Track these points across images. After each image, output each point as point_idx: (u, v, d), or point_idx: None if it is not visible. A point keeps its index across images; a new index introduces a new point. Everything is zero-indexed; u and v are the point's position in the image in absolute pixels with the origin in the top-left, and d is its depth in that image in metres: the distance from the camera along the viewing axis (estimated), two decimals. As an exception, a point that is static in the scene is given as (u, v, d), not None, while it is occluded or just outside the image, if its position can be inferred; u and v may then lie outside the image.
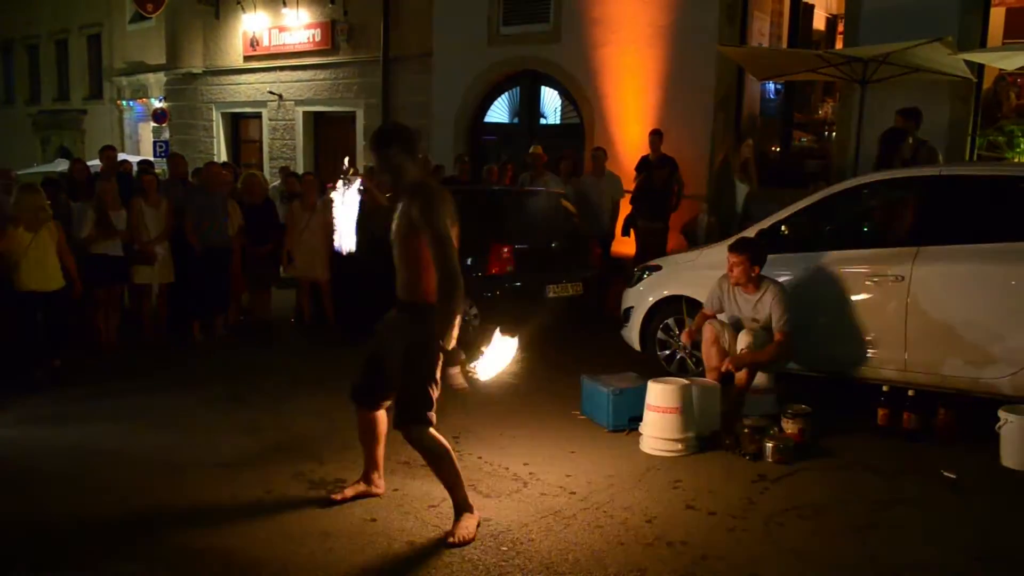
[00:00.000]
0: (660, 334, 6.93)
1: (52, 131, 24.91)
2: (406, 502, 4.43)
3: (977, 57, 8.51)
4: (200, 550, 3.91)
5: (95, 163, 11.43)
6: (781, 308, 5.70)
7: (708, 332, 5.84)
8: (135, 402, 6.32)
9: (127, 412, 6.06)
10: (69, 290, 7.05)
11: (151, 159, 14.71)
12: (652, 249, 9.99)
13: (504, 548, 3.92)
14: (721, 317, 6.01)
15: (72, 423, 5.84)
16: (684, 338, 6.30)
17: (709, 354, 5.82)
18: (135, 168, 11.39)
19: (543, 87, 13.36)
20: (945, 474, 4.80)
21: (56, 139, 24.77)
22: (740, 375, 5.68)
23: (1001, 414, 5.02)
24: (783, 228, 6.37)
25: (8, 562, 3.81)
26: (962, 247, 5.65)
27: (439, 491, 4.55)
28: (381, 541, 4.00)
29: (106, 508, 4.38)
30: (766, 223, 6.46)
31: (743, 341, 5.70)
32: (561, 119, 13.31)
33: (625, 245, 10.56)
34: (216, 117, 18.33)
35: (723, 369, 5.72)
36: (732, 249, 5.85)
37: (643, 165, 10.31)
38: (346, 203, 4.20)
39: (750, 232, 6.47)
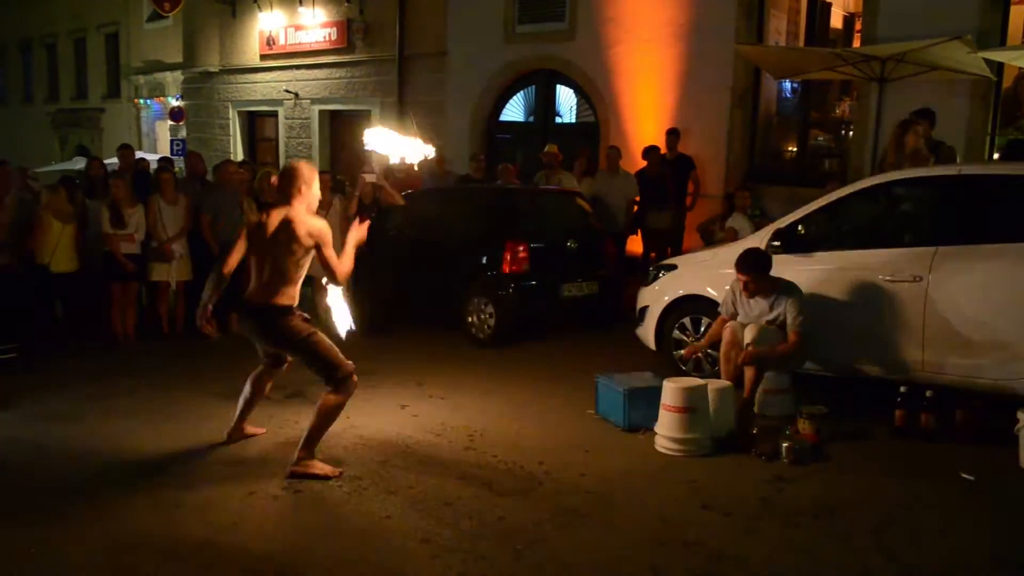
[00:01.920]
0: (676, 333, 6.90)
1: (70, 129, 25.11)
2: (420, 500, 4.44)
3: (997, 55, 8.45)
4: (217, 547, 3.93)
5: (112, 161, 11.52)
6: (796, 309, 5.68)
7: (727, 335, 5.82)
8: (151, 399, 6.37)
9: (143, 409, 6.11)
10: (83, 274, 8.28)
11: (171, 157, 14.80)
12: (659, 248, 10.01)
13: (519, 547, 3.92)
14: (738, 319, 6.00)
15: (87, 420, 5.88)
16: (686, 353, 6.33)
17: (727, 357, 5.79)
18: (153, 166, 11.45)
19: (558, 85, 13.35)
20: (963, 476, 4.77)
21: (74, 137, 24.97)
22: (749, 373, 5.65)
23: (1020, 416, 4.98)
24: (801, 228, 6.33)
25: (22, 561, 3.85)
26: (980, 247, 5.60)
27: (456, 488, 4.58)
28: (396, 539, 4.00)
29: (122, 505, 4.41)
30: (783, 222, 6.43)
31: (749, 335, 5.67)
32: (576, 118, 13.29)
33: (638, 244, 10.55)
34: (232, 115, 18.42)
35: (739, 362, 5.68)
36: (739, 269, 5.81)
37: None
38: None
39: (766, 233, 6.44)
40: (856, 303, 5.95)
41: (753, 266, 5.80)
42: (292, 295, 4.94)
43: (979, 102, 9.27)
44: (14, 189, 8.34)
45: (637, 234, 10.48)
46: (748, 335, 5.67)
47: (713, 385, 5.48)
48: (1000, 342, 5.43)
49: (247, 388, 5.34)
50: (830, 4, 11.62)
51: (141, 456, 5.14)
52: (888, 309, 5.82)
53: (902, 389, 5.54)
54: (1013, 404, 5.19)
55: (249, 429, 5.46)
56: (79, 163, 17.76)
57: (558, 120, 13.58)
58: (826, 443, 5.24)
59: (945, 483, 4.72)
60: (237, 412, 5.35)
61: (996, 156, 8.99)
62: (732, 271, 6.06)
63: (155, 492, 4.56)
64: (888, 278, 5.80)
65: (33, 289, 7.94)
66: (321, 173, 10.39)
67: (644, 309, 7.18)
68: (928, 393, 5.43)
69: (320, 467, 4.80)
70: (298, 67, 16.73)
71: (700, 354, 6.59)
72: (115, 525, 4.16)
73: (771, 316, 5.79)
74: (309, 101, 16.71)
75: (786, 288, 5.79)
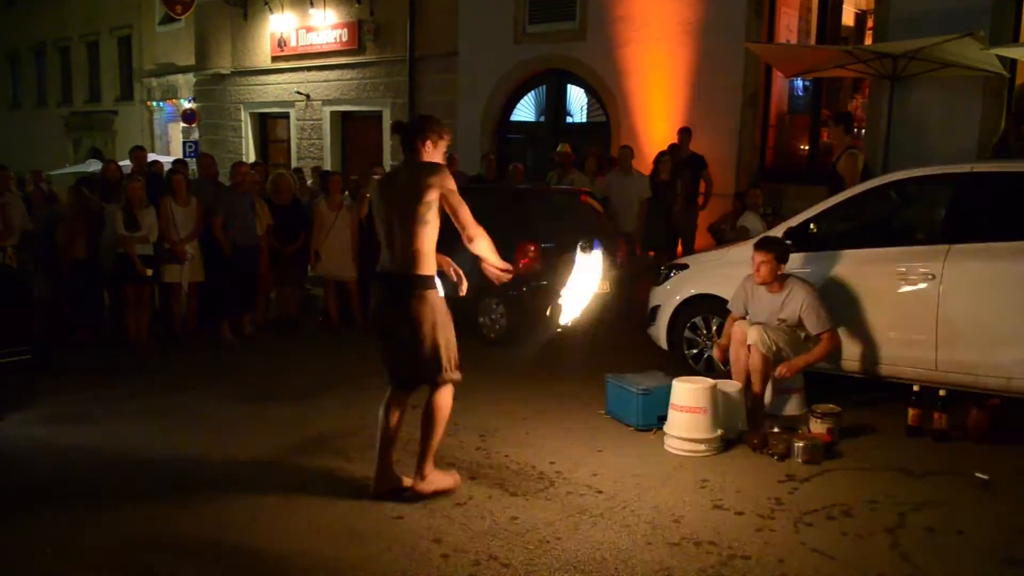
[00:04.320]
0: (687, 333, 6.90)
1: (84, 132, 25.23)
2: (433, 500, 4.43)
3: (1010, 52, 8.40)
4: (227, 547, 3.95)
5: (126, 164, 11.58)
6: (819, 308, 5.65)
7: (736, 335, 5.80)
8: (164, 400, 6.40)
9: (156, 410, 6.14)
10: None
11: (185, 159, 14.88)
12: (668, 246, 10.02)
13: (531, 547, 3.92)
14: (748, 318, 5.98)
15: (101, 421, 5.91)
16: (716, 353, 6.23)
17: (737, 356, 5.77)
18: (167, 168, 11.51)
19: (569, 85, 13.35)
20: (977, 475, 4.74)
21: (88, 140, 25.09)
22: (758, 374, 5.62)
23: (1034, 414, 4.96)
24: (812, 226, 6.32)
25: (38, 561, 3.87)
26: (994, 245, 5.58)
27: (467, 488, 4.58)
28: (407, 539, 4.01)
29: (133, 505, 4.43)
30: (795, 221, 6.42)
31: (753, 335, 5.64)
32: (587, 117, 13.28)
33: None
34: (244, 117, 18.49)
35: (778, 376, 5.65)
36: (758, 248, 5.80)
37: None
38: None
39: (778, 231, 6.43)
40: (868, 302, 5.93)
41: (773, 247, 5.77)
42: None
43: (992, 99, 9.22)
44: (8, 192, 8.42)
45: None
46: (752, 336, 5.64)
47: (723, 385, 5.47)
48: (1015, 341, 5.39)
49: (381, 425, 4.46)
50: (842, 1, 11.57)
51: (154, 457, 5.17)
52: (901, 308, 5.80)
53: (915, 388, 5.51)
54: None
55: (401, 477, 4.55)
56: (93, 165, 17.87)
57: (569, 120, 13.58)
58: (839, 442, 5.22)
59: (959, 482, 4.70)
60: (377, 459, 4.49)
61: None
62: (743, 270, 6.04)
63: (168, 493, 4.58)
64: (901, 277, 5.78)
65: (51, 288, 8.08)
66: (332, 174, 10.51)
67: (656, 308, 7.18)
68: (942, 392, 5.40)
69: (442, 480, 4.45)
70: (309, 68, 16.78)
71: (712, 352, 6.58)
72: (129, 525, 4.18)
73: (781, 314, 5.76)
74: (320, 102, 16.76)
75: (798, 286, 5.76)
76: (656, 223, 10.10)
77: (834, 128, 8.18)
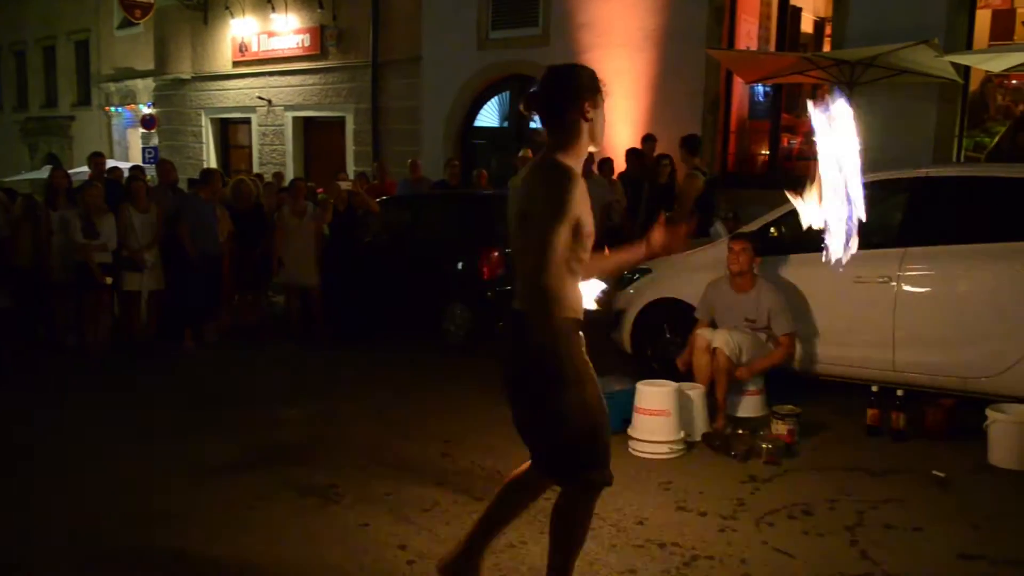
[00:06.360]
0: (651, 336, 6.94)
1: (40, 138, 24.83)
2: (399, 506, 4.43)
3: (963, 59, 8.58)
4: (191, 558, 3.90)
5: (82, 170, 11.40)
6: (787, 309, 5.77)
7: (699, 341, 5.85)
8: (123, 410, 6.30)
9: (115, 420, 6.05)
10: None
11: (142, 165, 14.69)
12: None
13: (496, 551, 3.88)
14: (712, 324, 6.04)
15: (57, 432, 5.80)
16: (680, 365, 6.25)
17: (699, 362, 5.82)
18: (126, 175, 11.34)
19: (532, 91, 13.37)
20: (935, 473, 4.83)
21: (44, 146, 24.69)
22: (721, 376, 5.67)
23: (988, 413, 5.05)
24: (771, 230, 6.40)
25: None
26: (948, 248, 5.69)
27: (433, 494, 4.56)
28: (373, 546, 3.99)
29: (94, 517, 4.37)
30: (754, 225, 6.49)
31: (717, 340, 5.70)
32: (551, 123, 13.31)
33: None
34: (205, 123, 18.32)
35: (738, 377, 5.72)
36: (736, 237, 5.95)
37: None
38: None
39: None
40: (827, 305, 6.01)
41: (751, 236, 5.95)
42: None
43: (947, 105, 9.42)
44: None
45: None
46: (717, 339, 5.70)
47: (686, 388, 5.52)
48: (969, 341, 5.50)
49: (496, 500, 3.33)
50: (800, 9, 11.74)
51: (113, 467, 5.09)
52: (859, 310, 5.89)
53: (874, 388, 5.60)
54: (982, 402, 5.27)
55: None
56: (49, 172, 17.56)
57: (532, 125, 13.61)
58: (799, 443, 5.29)
59: (917, 480, 4.78)
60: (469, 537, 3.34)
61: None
62: (707, 275, 6.10)
63: (127, 504, 4.52)
64: (858, 280, 5.87)
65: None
66: (296, 180, 10.45)
67: (620, 313, 7.21)
68: (899, 392, 5.49)
69: None
70: (271, 74, 16.68)
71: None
72: (88, 538, 4.12)
73: (751, 314, 5.83)
74: (283, 108, 16.66)
75: (767, 287, 5.85)
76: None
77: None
